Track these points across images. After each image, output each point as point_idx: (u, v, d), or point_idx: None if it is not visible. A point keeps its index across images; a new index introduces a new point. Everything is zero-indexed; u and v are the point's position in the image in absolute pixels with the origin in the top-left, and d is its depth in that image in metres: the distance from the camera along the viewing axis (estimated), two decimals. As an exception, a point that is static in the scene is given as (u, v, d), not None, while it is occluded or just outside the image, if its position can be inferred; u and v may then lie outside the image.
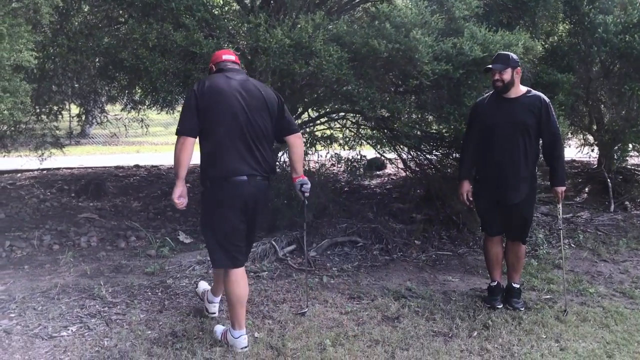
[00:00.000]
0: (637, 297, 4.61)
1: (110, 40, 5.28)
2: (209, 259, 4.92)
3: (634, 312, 4.28)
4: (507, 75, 4.10)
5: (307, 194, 3.69)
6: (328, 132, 6.20)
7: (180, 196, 3.38)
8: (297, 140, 3.64)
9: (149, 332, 3.64)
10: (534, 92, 4.22)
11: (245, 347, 3.46)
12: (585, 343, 3.72)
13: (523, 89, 4.22)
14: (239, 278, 3.45)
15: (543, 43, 7.46)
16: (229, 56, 3.59)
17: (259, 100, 3.44)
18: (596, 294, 4.66)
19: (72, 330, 3.64)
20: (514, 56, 4.19)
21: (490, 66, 4.16)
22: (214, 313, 3.92)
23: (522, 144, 4.14)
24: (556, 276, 5.02)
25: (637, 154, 7.90)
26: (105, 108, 8.81)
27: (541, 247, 5.78)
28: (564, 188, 4.26)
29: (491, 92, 4.37)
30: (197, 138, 3.36)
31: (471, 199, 4.42)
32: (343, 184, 7.87)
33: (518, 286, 4.39)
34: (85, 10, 5.69)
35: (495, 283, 4.41)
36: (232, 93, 3.37)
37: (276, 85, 5.06)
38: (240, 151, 3.36)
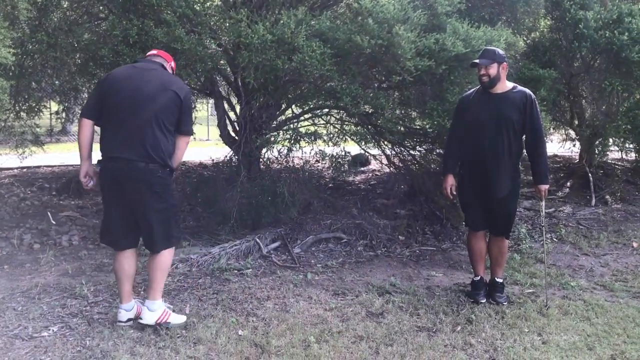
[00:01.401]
0: (617, 290, 4.67)
1: (90, 37, 5.22)
2: (192, 256, 4.92)
3: (614, 304, 4.34)
4: (493, 70, 4.11)
5: None
6: (312, 128, 6.18)
7: (85, 175, 3.67)
8: (180, 143, 3.69)
9: (132, 331, 3.61)
10: (519, 87, 4.24)
11: (121, 321, 3.63)
12: (566, 336, 3.76)
13: (509, 84, 4.23)
14: (121, 258, 3.63)
15: (525, 39, 7.54)
16: (153, 52, 3.85)
17: (155, 89, 3.53)
18: (577, 287, 4.71)
19: (53, 330, 3.60)
20: (500, 51, 4.20)
21: (476, 61, 4.17)
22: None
23: (506, 139, 4.15)
24: (539, 270, 5.06)
25: (617, 148, 7.98)
26: (86, 105, 8.69)
27: (524, 242, 5.82)
28: (547, 186, 4.30)
29: (477, 87, 4.37)
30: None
31: (455, 193, 4.44)
32: (327, 180, 7.86)
33: (501, 281, 4.42)
34: (65, 6, 5.62)
35: (479, 277, 4.44)
36: (126, 80, 3.53)
37: (259, 82, 5.04)
38: (120, 136, 3.49)
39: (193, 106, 3.63)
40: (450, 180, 4.43)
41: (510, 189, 4.24)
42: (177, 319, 3.69)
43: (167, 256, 3.63)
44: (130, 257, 3.65)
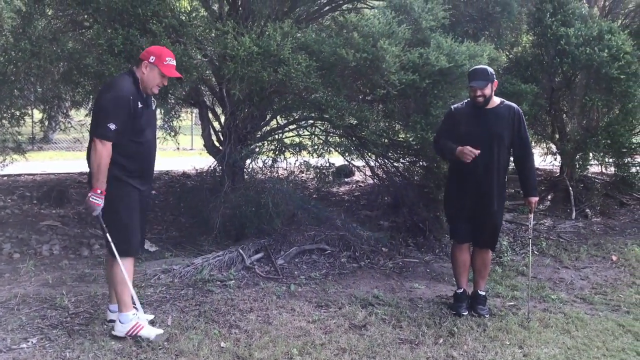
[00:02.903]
0: (597, 303, 4.73)
1: (74, 45, 5.20)
2: (174, 267, 4.89)
3: (594, 317, 4.39)
4: (488, 90, 4.18)
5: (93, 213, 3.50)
6: (297, 139, 6.20)
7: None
8: (92, 144, 3.45)
9: (113, 342, 3.57)
10: (506, 102, 4.33)
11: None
12: (547, 349, 3.80)
13: (497, 99, 4.31)
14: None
15: (507, 54, 7.64)
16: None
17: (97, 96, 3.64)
18: (558, 300, 4.76)
19: (32, 342, 3.54)
20: (491, 70, 4.27)
21: (473, 85, 4.18)
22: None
23: (496, 153, 4.22)
24: (520, 283, 5.11)
25: (598, 162, 8.11)
26: (70, 113, 8.63)
27: (505, 254, 5.87)
28: (537, 198, 4.40)
29: (466, 101, 4.43)
30: None
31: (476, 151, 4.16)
32: (312, 191, 7.87)
33: (484, 293, 4.46)
34: (49, 14, 5.57)
35: (462, 290, 4.48)
36: None
37: (244, 93, 5.05)
38: None
39: (114, 106, 3.44)
40: (467, 147, 4.14)
41: (499, 202, 4.30)
42: (149, 332, 3.62)
43: (115, 268, 3.62)
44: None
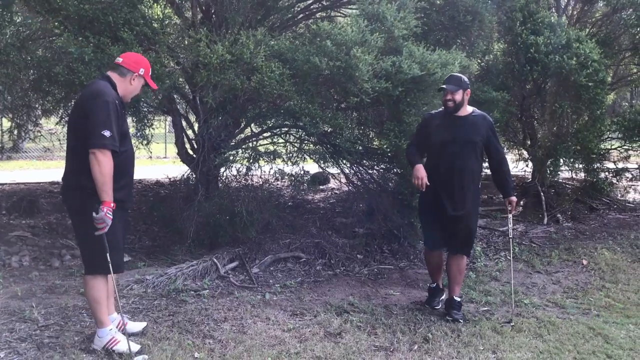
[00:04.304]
0: (568, 307, 4.81)
1: (44, 53, 5.12)
2: (147, 277, 4.83)
3: (565, 321, 4.45)
4: (458, 96, 4.30)
5: (99, 229, 3.29)
6: (271, 147, 6.19)
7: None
8: (91, 157, 3.24)
9: (84, 355, 3.50)
10: (478, 111, 4.48)
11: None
12: (520, 353, 3.84)
13: (469, 108, 4.44)
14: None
15: (479, 62, 7.75)
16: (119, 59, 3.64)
17: (75, 106, 3.54)
18: (531, 304, 4.83)
19: (0, 357, 3.46)
20: (465, 79, 4.40)
21: (444, 86, 4.33)
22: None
23: (468, 159, 4.33)
24: (493, 288, 5.17)
25: (568, 168, 8.26)
26: (40, 122, 8.49)
27: (479, 260, 5.94)
28: (515, 198, 4.59)
29: (440, 110, 4.54)
30: None
31: (429, 184, 4.31)
32: (287, 199, 7.85)
33: (459, 300, 4.50)
34: (18, 21, 5.49)
35: (435, 285, 4.65)
36: None
37: (218, 100, 5.03)
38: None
39: (106, 113, 3.34)
40: (423, 170, 4.33)
41: (472, 208, 4.40)
42: (124, 346, 3.52)
43: (88, 284, 3.54)
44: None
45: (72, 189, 3.44)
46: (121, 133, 3.39)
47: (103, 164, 3.23)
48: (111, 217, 3.28)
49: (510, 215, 4.67)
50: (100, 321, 3.54)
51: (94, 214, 3.24)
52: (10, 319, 4.02)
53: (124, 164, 3.45)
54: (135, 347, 3.55)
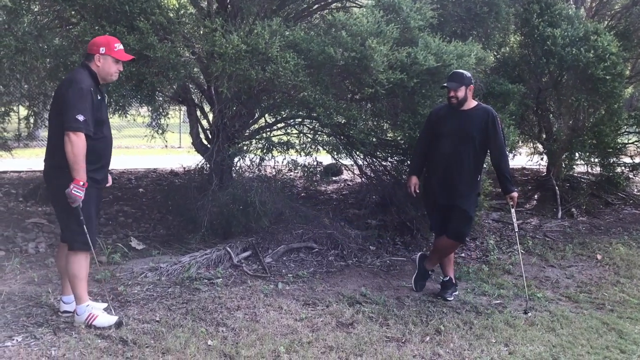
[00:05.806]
0: (582, 302, 4.78)
1: (61, 42, 5.14)
2: (162, 265, 4.87)
3: (579, 316, 4.43)
4: (461, 92, 4.44)
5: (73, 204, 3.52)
6: (285, 138, 6.20)
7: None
8: (65, 138, 3.47)
9: (99, 340, 3.55)
10: (482, 105, 4.59)
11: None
12: (532, 347, 3.83)
13: (473, 102, 4.55)
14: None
15: (495, 54, 7.68)
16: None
17: (55, 94, 3.69)
18: (544, 298, 4.81)
19: (17, 340, 3.52)
20: (468, 74, 4.50)
21: (446, 84, 4.49)
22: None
23: (467, 151, 4.47)
24: (506, 281, 5.16)
25: (583, 162, 8.19)
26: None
27: (492, 253, 5.91)
28: (516, 194, 4.62)
29: (447, 103, 4.63)
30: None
31: (418, 191, 4.80)
32: (300, 189, 7.87)
33: (446, 279, 4.75)
34: (36, 10, 5.51)
35: (447, 278, 4.78)
36: None
37: (232, 91, 5.04)
38: None
39: (87, 97, 3.54)
40: (414, 180, 4.79)
41: (467, 197, 4.52)
42: (103, 320, 3.71)
43: (72, 262, 3.70)
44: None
45: (51, 168, 3.68)
46: (98, 120, 3.62)
47: (75, 144, 3.45)
48: (78, 194, 3.47)
49: (513, 211, 4.72)
50: (79, 297, 3.72)
51: (66, 191, 3.47)
52: (27, 304, 4.08)
53: (101, 148, 3.72)
54: (112, 319, 3.74)
